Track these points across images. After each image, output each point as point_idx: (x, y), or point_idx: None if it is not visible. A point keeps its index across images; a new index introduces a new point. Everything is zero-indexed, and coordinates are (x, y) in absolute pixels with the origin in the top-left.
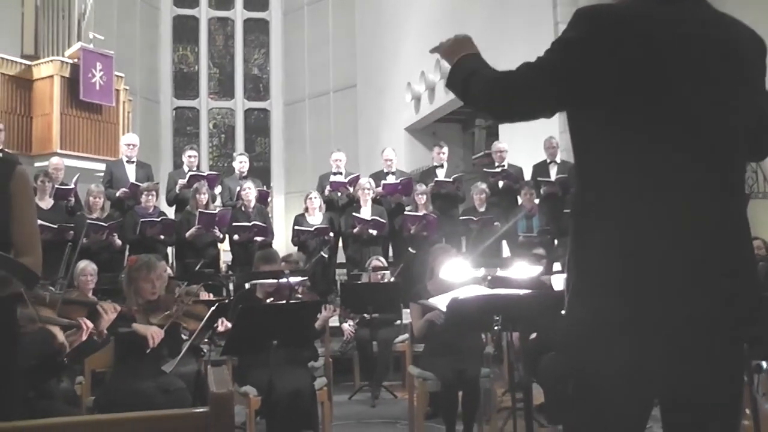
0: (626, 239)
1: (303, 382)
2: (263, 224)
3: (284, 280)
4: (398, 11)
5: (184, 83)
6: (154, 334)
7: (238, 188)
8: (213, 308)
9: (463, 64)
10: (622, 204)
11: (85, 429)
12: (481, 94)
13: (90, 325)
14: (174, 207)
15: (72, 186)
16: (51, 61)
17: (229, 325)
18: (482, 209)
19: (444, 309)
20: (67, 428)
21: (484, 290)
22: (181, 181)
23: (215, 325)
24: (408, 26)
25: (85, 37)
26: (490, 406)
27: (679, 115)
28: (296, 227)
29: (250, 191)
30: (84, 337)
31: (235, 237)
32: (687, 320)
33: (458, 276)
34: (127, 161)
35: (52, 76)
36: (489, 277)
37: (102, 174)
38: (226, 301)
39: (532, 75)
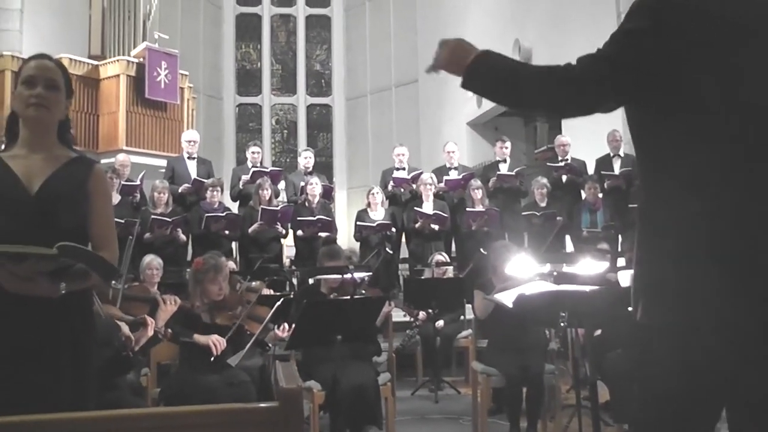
0: (695, 235)
1: (367, 377)
2: (328, 218)
3: (348, 275)
4: (458, 5)
5: (247, 80)
6: (216, 342)
7: (303, 183)
8: (279, 303)
9: (486, 65)
10: (693, 197)
11: (155, 421)
12: (539, 91)
13: (153, 321)
14: (237, 202)
15: (138, 182)
16: (117, 60)
17: (288, 328)
18: (543, 204)
19: (510, 305)
20: (140, 420)
21: (550, 286)
22: (245, 177)
23: (280, 322)
24: (468, 20)
25: (150, 37)
26: (554, 403)
27: (747, 99)
28: (358, 222)
29: (315, 187)
30: (150, 333)
31: (299, 232)
32: (759, 320)
33: (523, 272)
34: (188, 157)
35: (118, 76)
36: (555, 273)
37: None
38: (291, 296)
39: (596, 67)
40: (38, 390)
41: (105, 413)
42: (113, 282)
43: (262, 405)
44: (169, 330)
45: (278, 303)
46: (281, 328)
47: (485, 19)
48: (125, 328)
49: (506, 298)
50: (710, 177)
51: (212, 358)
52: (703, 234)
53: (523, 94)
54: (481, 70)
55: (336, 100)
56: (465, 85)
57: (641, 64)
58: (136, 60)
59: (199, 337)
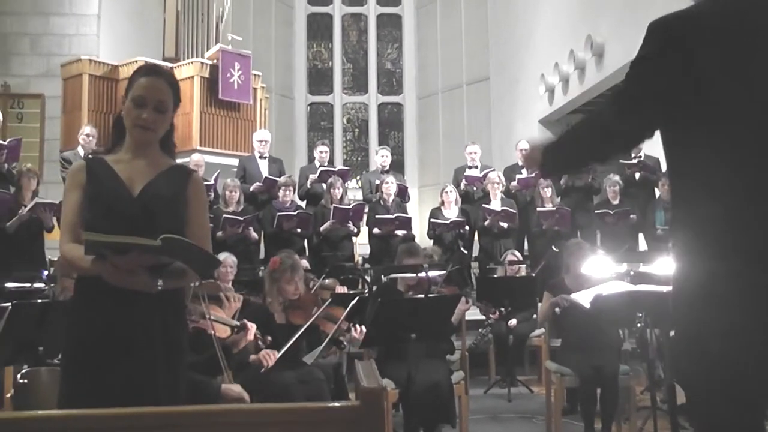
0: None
1: (441, 375)
2: (406, 215)
3: (423, 274)
4: (529, 2)
5: (319, 79)
6: (267, 356)
7: (378, 182)
8: (354, 301)
9: (551, 155)
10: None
11: (240, 417)
12: (594, 152)
13: (252, 326)
14: (305, 201)
15: (212, 182)
16: (191, 62)
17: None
18: (616, 202)
19: (587, 305)
20: (224, 415)
21: (627, 286)
22: (312, 176)
23: (355, 320)
24: (540, 17)
25: (223, 39)
26: (629, 404)
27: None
28: (432, 220)
29: (390, 185)
30: (250, 338)
31: (376, 230)
32: None
33: (598, 271)
34: (260, 157)
35: (192, 77)
36: (631, 273)
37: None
38: (366, 294)
39: (624, 111)
40: (134, 384)
41: (193, 408)
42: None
43: (344, 404)
44: (269, 337)
45: (354, 301)
46: (358, 330)
47: (556, 14)
48: (224, 333)
49: (583, 298)
50: (732, 181)
51: (261, 371)
52: (727, 234)
53: (584, 159)
54: (550, 162)
55: (407, 98)
56: (546, 176)
57: (662, 91)
58: (209, 62)
59: (253, 357)
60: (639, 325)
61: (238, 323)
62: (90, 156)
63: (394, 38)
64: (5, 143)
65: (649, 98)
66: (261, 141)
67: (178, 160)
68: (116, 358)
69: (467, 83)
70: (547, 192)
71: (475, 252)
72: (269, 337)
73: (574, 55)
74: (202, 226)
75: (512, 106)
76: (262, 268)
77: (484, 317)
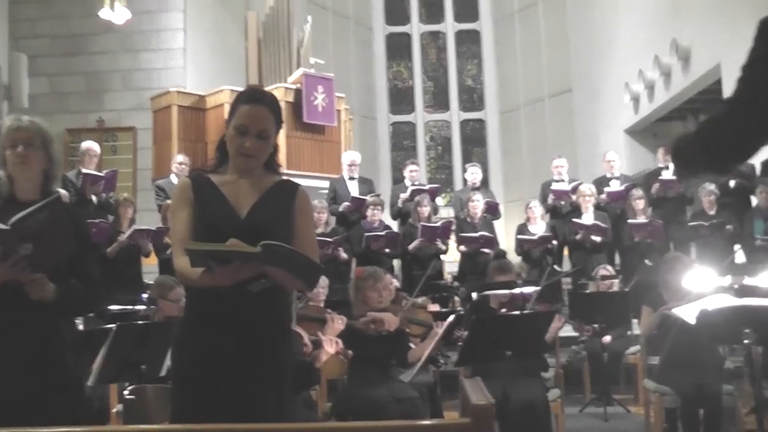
0: None
1: (537, 393)
2: (490, 235)
3: (517, 290)
4: (608, 8)
5: (400, 98)
6: (390, 321)
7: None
8: (451, 318)
9: (679, 157)
10: None
11: None
12: (716, 159)
13: (337, 341)
14: (398, 221)
15: None
16: (275, 88)
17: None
18: (712, 212)
19: (692, 320)
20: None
21: (733, 300)
22: (403, 195)
23: (454, 336)
24: (621, 24)
25: (305, 63)
26: (734, 427)
27: None
28: (519, 236)
29: (477, 203)
30: (332, 351)
31: (462, 247)
32: None
33: (700, 285)
34: (350, 178)
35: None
36: (736, 287)
37: (326, 191)
38: (461, 311)
39: (737, 116)
40: (243, 401)
41: (302, 426)
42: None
43: (455, 421)
44: (350, 351)
45: (451, 317)
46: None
47: (638, 20)
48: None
49: (686, 314)
50: None
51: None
52: None
53: (705, 169)
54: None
55: (489, 113)
56: (681, 176)
57: None
58: (293, 86)
59: (375, 314)
60: (746, 341)
61: (316, 338)
62: (194, 173)
63: (473, 54)
64: (102, 174)
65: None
66: (351, 162)
67: None
68: (225, 376)
69: (549, 96)
70: (640, 204)
71: (565, 267)
72: (350, 351)
73: (659, 60)
74: (310, 239)
75: (596, 117)
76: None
77: (577, 334)
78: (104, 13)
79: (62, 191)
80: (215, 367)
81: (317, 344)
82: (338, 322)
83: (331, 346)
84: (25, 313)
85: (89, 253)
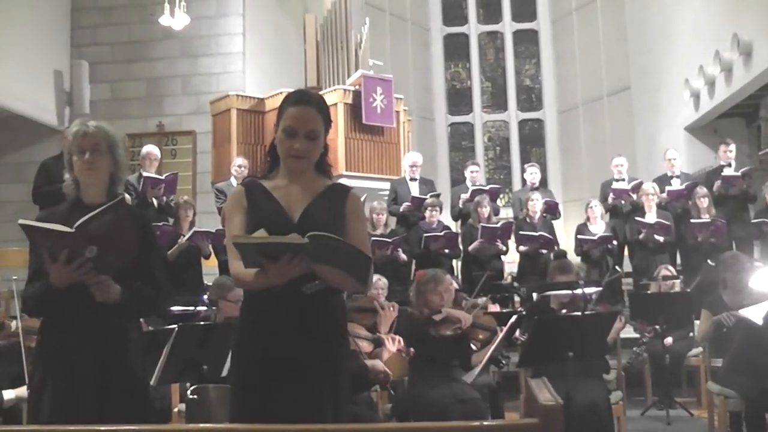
0: None
1: (599, 395)
2: (549, 236)
3: (579, 291)
4: (667, 3)
5: (458, 99)
6: (465, 317)
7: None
8: (513, 319)
9: None
10: None
11: None
12: None
13: (397, 339)
14: (459, 222)
15: None
16: (334, 90)
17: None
18: None
19: (759, 321)
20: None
21: None
22: (464, 196)
23: (515, 337)
24: (680, 19)
25: (363, 64)
26: None
27: None
28: (579, 236)
29: (536, 203)
30: (394, 350)
31: (521, 247)
32: None
33: (763, 285)
34: (411, 179)
35: (336, 104)
36: None
37: (385, 192)
38: (522, 312)
39: None
40: (301, 403)
41: (360, 426)
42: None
43: (523, 421)
44: (412, 349)
45: (513, 318)
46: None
47: (697, 15)
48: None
49: (753, 314)
50: None
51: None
52: None
53: None
54: None
55: (547, 113)
56: None
57: None
58: (352, 88)
59: (450, 309)
60: None
61: (375, 336)
62: (247, 180)
63: (531, 53)
64: (163, 178)
65: None
66: (412, 164)
67: None
68: (283, 378)
69: (608, 94)
70: (704, 202)
71: (626, 267)
72: (412, 349)
73: (720, 56)
74: (362, 240)
75: (656, 114)
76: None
77: (637, 335)
78: (164, 20)
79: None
80: (272, 370)
81: (378, 342)
82: (390, 310)
83: (392, 344)
84: (91, 315)
85: (154, 256)
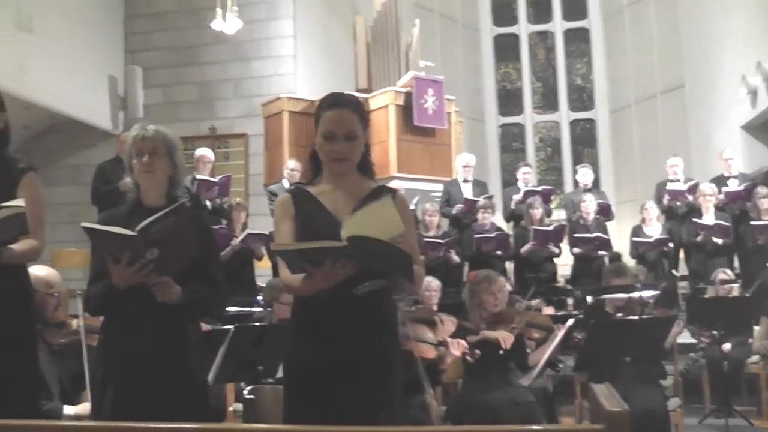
0: None
1: (656, 401)
2: (605, 236)
3: (636, 294)
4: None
5: (508, 100)
6: (505, 337)
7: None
8: (571, 321)
9: None
10: None
11: None
12: None
13: (463, 344)
14: (512, 223)
15: (412, 207)
16: (385, 91)
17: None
18: None
19: None
20: None
21: None
22: (516, 198)
23: (573, 339)
24: (736, 14)
25: (413, 66)
26: None
27: None
28: (634, 239)
29: (589, 204)
30: (457, 353)
31: (576, 249)
32: None
33: None
34: (463, 180)
35: (387, 106)
36: None
37: (437, 194)
38: (579, 315)
39: None
40: (353, 404)
41: (414, 428)
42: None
43: (588, 426)
44: (477, 351)
45: (570, 321)
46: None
47: (753, 9)
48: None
49: None
50: None
51: (500, 351)
52: None
53: None
54: None
55: (599, 113)
56: None
57: None
58: (403, 89)
59: (487, 332)
60: None
61: (439, 340)
62: (293, 187)
63: (583, 52)
64: (216, 180)
65: None
66: (465, 164)
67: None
68: (335, 379)
69: (661, 92)
70: (765, 203)
71: (682, 270)
72: (477, 351)
73: None
74: (410, 242)
75: (711, 113)
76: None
77: (694, 341)
78: (216, 24)
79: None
80: (325, 372)
81: (442, 346)
82: (448, 324)
83: (457, 348)
84: (151, 315)
85: (213, 257)
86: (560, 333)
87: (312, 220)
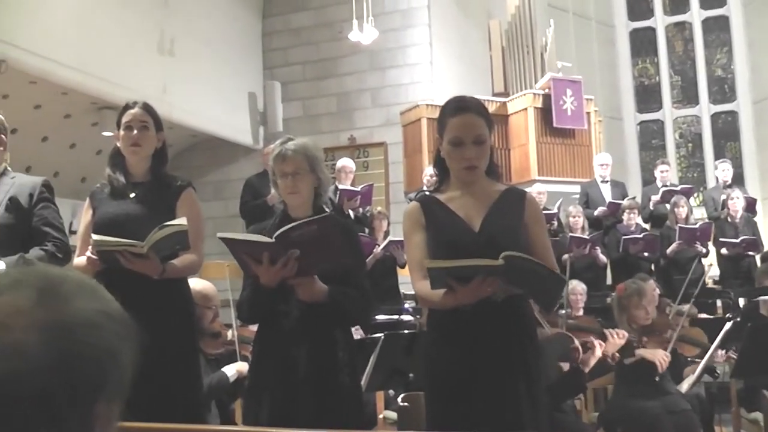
0: None
1: None
2: (752, 237)
3: None
4: None
5: (646, 96)
6: (662, 359)
7: (723, 197)
8: (727, 326)
9: None
10: None
11: None
12: None
13: (602, 344)
14: (650, 224)
15: (555, 210)
16: (523, 95)
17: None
18: None
19: None
20: None
21: None
22: (654, 197)
23: (727, 346)
24: None
25: (550, 67)
26: None
27: None
28: None
29: (737, 201)
30: (599, 355)
31: (723, 251)
32: None
33: None
34: (601, 181)
35: (525, 109)
36: None
37: (578, 196)
38: (736, 319)
39: None
40: (497, 413)
41: None
42: (560, 312)
43: None
44: (617, 354)
45: (727, 326)
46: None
47: None
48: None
49: None
50: None
51: (656, 378)
52: None
53: None
54: None
55: (742, 104)
56: None
57: None
58: (541, 91)
59: (643, 351)
60: None
61: (583, 341)
62: (420, 196)
63: (723, 42)
64: (358, 190)
65: None
66: (602, 164)
67: None
68: (478, 384)
69: None
70: None
71: None
72: (617, 354)
73: None
74: (545, 246)
75: None
76: (611, 294)
77: None
78: (353, 35)
79: None
80: (467, 378)
81: (586, 347)
82: (619, 338)
83: (618, 337)
84: (302, 321)
85: (361, 267)
86: (701, 336)
87: (444, 228)
